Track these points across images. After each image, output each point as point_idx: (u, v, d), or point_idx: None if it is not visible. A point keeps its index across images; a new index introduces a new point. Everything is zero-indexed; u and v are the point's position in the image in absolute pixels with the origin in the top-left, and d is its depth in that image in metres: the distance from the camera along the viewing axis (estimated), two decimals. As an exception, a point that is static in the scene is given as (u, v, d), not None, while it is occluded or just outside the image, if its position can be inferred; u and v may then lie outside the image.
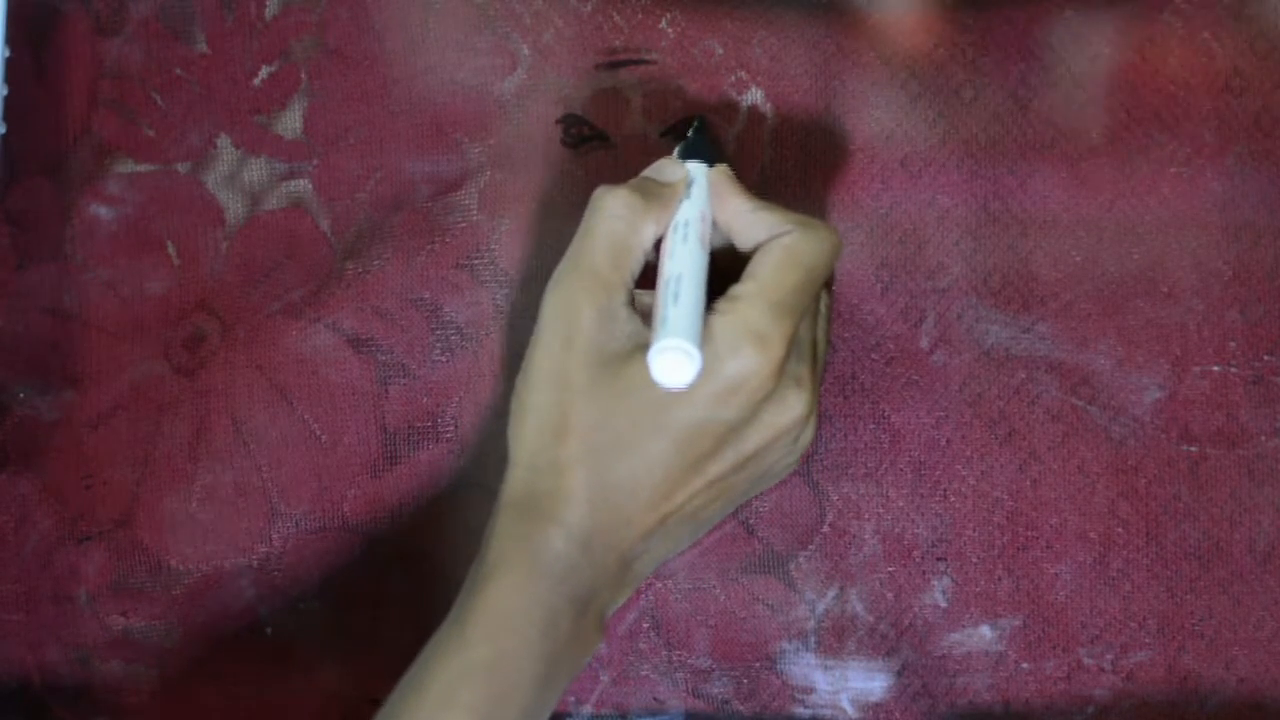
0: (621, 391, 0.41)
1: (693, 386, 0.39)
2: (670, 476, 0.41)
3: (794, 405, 0.42)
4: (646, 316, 0.42)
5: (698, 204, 0.44)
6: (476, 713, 0.39)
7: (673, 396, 0.40)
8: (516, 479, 0.42)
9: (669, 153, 0.48)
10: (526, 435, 0.42)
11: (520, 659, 0.40)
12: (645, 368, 0.39)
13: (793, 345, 0.41)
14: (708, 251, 0.43)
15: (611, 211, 0.42)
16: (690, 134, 0.48)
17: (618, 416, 0.41)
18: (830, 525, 0.49)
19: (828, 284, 0.44)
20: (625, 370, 0.41)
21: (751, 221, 0.43)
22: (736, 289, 0.41)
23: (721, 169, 0.45)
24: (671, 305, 0.40)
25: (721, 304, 0.41)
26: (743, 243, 0.44)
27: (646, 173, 0.45)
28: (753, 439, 0.42)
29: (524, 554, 0.41)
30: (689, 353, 0.39)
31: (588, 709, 0.49)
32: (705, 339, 0.40)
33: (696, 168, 0.45)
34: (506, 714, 0.40)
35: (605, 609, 0.43)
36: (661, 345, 0.39)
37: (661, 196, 0.43)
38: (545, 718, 0.42)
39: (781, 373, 0.41)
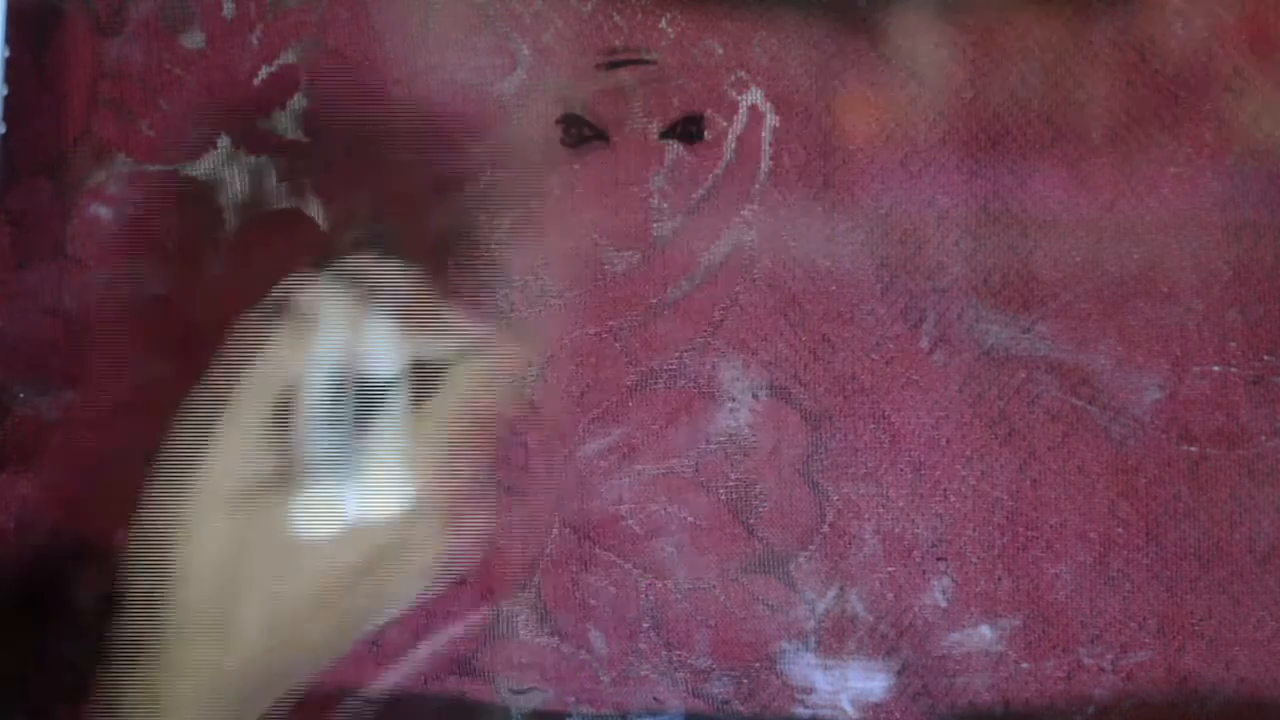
0: (248, 525, 0.39)
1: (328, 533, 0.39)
2: (292, 615, 0.40)
3: (426, 547, 0.40)
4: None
5: (341, 336, 0.41)
6: None
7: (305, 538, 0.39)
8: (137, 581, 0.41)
9: (667, 153, 0.48)
10: (147, 539, 0.41)
11: None
12: (273, 507, 0.39)
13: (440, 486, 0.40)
14: (347, 387, 0.41)
15: (266, 344, 0.41)
16: (352, 243, 0.46)
17: (241, 551, 0.40)
18: (830, 525, 0.49)
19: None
20: (256, 505, 0.40)
21: (422, 342, 0.42)
22: (421, 411, 0.40)
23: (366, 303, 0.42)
24: (317, 448, 0.39)
25: (372, 441, 0.40)
26: (418, 365, 0.42)
27: (298, 299, 0.42)
28: (383, 579, 0.40)
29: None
30: (329, 503, 0.38)
31: (588, 709, 0.49)
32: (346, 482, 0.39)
33: (338, 299, 0.42)
34: None
35: None
36: (301, 493, 0.39)
37: (307, 327, 0.41)
38: None
39: (419, 518, 0.40)
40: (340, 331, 0.41)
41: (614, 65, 0.50)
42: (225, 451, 0.40)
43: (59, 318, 0.50)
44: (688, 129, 0.50)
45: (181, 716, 0.40)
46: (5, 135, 0.50)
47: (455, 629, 0.49)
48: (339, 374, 0.40)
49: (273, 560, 0.39)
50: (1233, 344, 0.49)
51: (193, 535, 0.40)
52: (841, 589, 0.49)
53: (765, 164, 0.50)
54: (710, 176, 0.50)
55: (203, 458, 0.40)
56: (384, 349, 0.41)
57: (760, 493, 0.49)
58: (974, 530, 0.49)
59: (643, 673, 0.49)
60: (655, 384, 0.49)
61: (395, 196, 0.50)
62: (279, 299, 0.41)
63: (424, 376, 0.41)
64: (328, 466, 0.39)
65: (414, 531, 0.40)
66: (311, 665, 0.42)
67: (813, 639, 0.49)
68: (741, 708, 0.49)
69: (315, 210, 0.50)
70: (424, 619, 0.49)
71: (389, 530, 0.39)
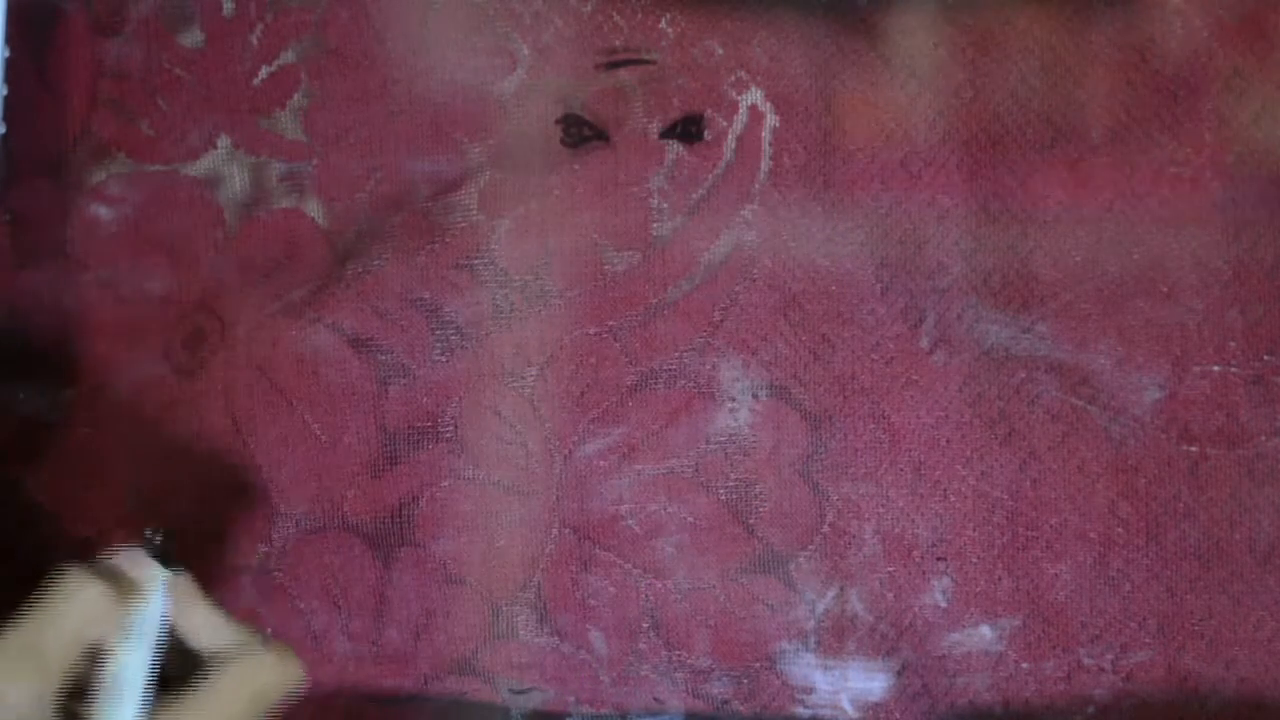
0: None
1: None
2: None
3: None
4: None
5: (159, 609, 0.42)
6: None
7: None
8: None
9: (667, 153, 0.48)
10: None
11: None
12: None
13: None
14: (154, 656, 0.41)
15: (76, 605, 0.41)
16: (160, 540, 0.45)
17: None
18: (830, 525, 0.49)
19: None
20: None
21: (210, 634, 0.42)
22: (190, 703, 0.40)
23: (183, 578, 0.43)
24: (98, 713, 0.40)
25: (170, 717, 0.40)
26: (200, 651, 0.42)
27: (118, 562, 0.43)
28: None
29: None
30: None
31: (588, 709, 0.49)
32: None
33: (159, 570, 0.43)
34: None
35: None
36: None
37: (126, 596, 0.42)
38: None
39: None
40: (161, 604, 0.42)
41: (614, 65, 0.50)
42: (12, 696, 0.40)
43: (59, 317, 0.50)
44: (688, 129, 0.50)
45: None
46: (5, 135, 0.50)
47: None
48: (149, 642, 0.41)
49: None
50: (1233, 344, 0.49)
51: None
52: (841, 589, 0.49)
53: (765, 164, 0.50)
54: (710, 176, 0.50)
55: None
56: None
57: (760, 493, 0.49)
58: (974, 530, 0.49)
59: (643, 673, 0.49)
60: (655, 384, 0.49)
61: (391, 200, 0.50)
62: (103, 562, 0.42)
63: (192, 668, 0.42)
64: None
65: None
66: None
67: (813, 639, 0.49)
68: (741, 708, 0.49)
69: (315, 210, 0.50)
70: (424, 618, 0.49)
71: None
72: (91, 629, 0.41)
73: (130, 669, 0.41)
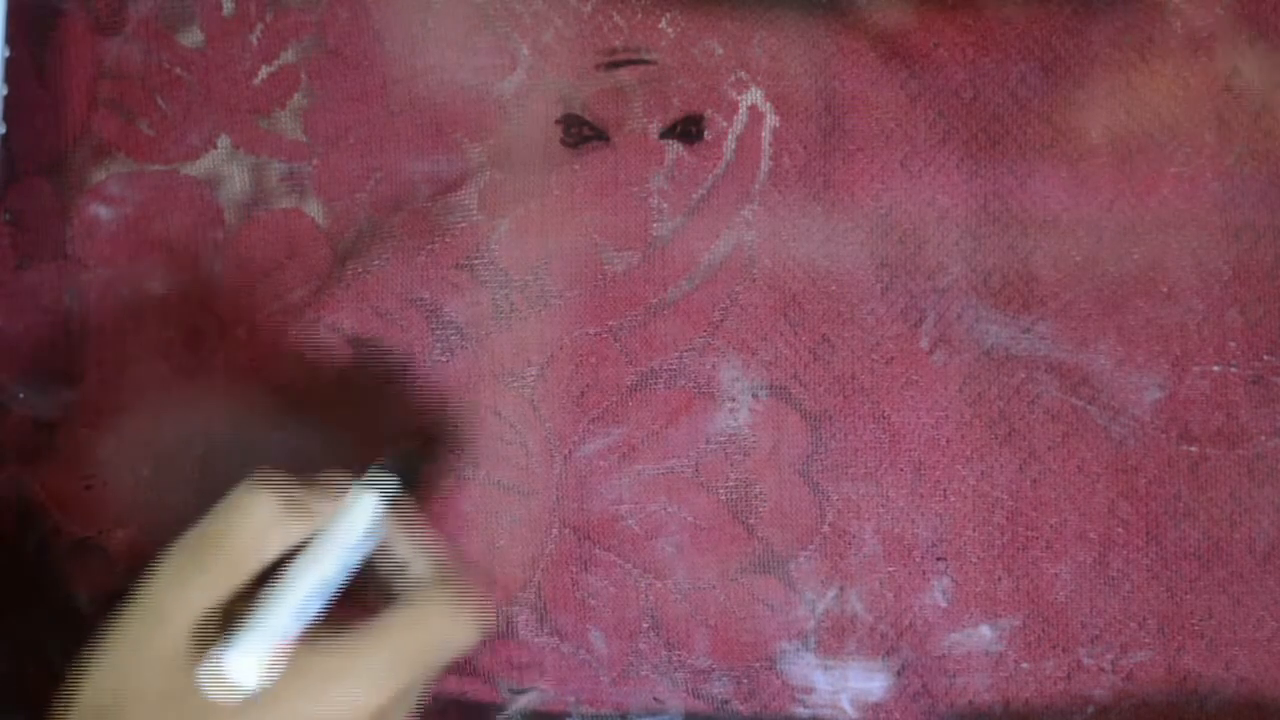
0: (191, 693, 0.39)
1: (263, 717, 0.38)
2: None
3: None
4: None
5: (351, 526, 0.41)
6: None
7: (243, 717, 0.39)
8: (85, 702, 0.40)
9: (667, 153, 0.48)
10: (95, 685, 0.40)
11: None
12: (212, 674, 0.39)
13: (381, 715, 0.39)
14: (335, 581, 0.41)
15: (251, 516, 0.40)
16: (400, 455, 0.45)
17: (185, 713, 0.39)
18: (830, 525, 0.49)
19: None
20: (193, 674, 0.39)
21: (406, 564, 0.42)
22: (346, 638, 0.40)
23: (393, 505, 0.42)
24: (251, 619, 0.39)
25: (326, 646, 0.40)
26: (388, 582, 0.42)
27: (312, 485, 0.42)
28: None
29: None
30: (242, 670, 0.38)
31: (587, 709, 0.49)
32: (291, 674, 0.39)
33: (377, 489, 0.42)
34: None
35: None
36: (218, 656, 0.39)
37: (308, 512, 0.41)
38: None
39: None
40: (363, 523, 0.41)
41: (614, 65, 0.50)
42: (188, 611, 0.40)
43: (59, 318, 0.50)
44: (688, 129, 0.50)
45: None
46: (5, 135, 0.50)
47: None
48: (331, 563, 0.41)
49: None
50: (1233, 344, 0.49)
51: (143, 682, 0.40)
52: (841, 589, 0.49)
53: (765, 164, 0.50)
54: (710, 176, 0.50)
55: (166, 616, 0.40)
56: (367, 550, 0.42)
57: (760, 493, 0.49)
58: (974, 530, 0.49)
59: (643, 673, 0.49)
60: (655, 384, 0.49)
61: (394, 198, 0.50)
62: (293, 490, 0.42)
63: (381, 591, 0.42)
64: (252, 641, 0.39)
65: None
66: None
67: (812, 639, 0.49)
68: (741, 708, 0.49)
69: (315, 210, 0.50)
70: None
71: None
72: (261, 544, 0.40)
73: (300, 586, 0.40)
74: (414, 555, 0.42)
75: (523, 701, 0.49)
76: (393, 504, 0.42)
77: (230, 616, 0.40)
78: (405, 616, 0.40)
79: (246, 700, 0.39)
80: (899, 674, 0.48)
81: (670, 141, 0.50)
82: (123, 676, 0.40)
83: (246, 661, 0.38)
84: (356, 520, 0.41)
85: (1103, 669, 0.48)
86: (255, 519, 0.40)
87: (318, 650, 0.40)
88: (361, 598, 0.41)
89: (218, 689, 0.39)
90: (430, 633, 0.40)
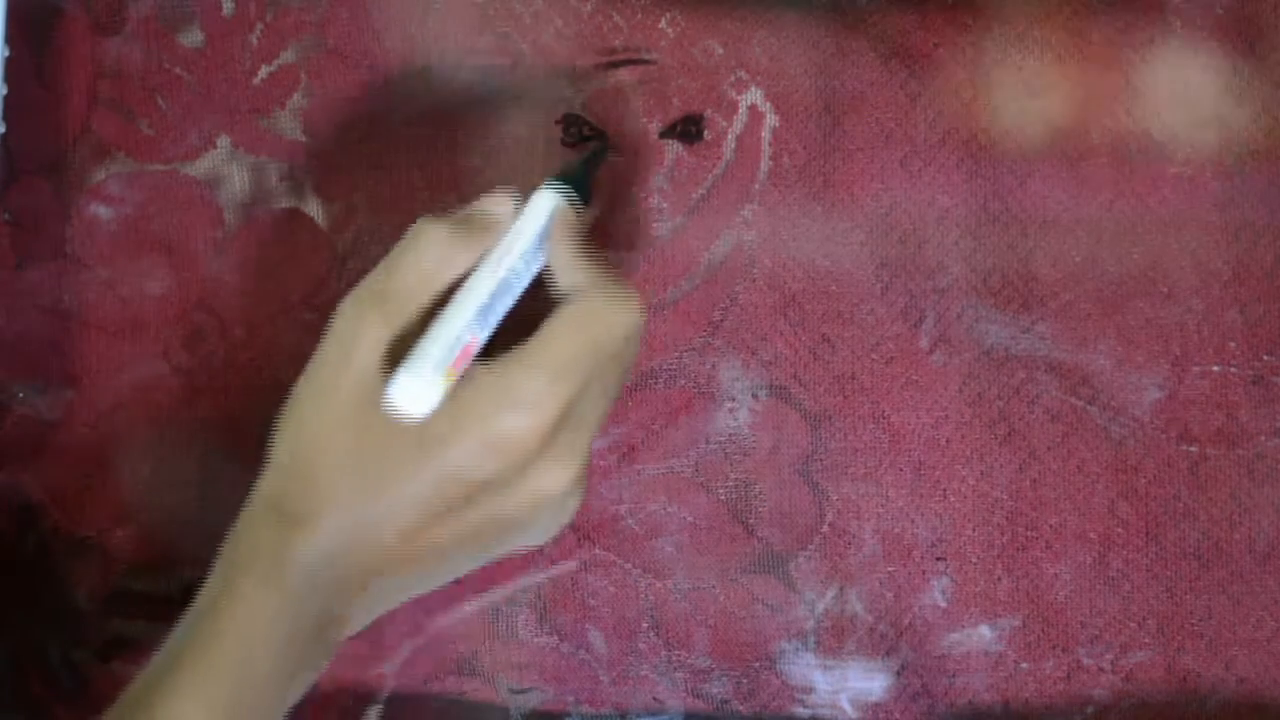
0: (385, 420, 0.40)
1: (450, 433, 0.39)
2: (420, 519, 0.40)
3: (559, 476, 0.41)
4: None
5: (520, 238, 0.42)
6: (220, 710, 0.39)
7: (433, 440, 0.40)
8: (271, 482, 0.41)
9: (667, 153, 0.47)
10: (288, 441, 0.41)
11: (264, 665, 0.40)
12: (397, 395, 0.39)
13: (566, 415, 0.40)
14: (514, 289, 0.42)
15: (423, 242, 0.41)
16: (568, 163, 0.46)
17: (378, 447, 0.40)
18: (830, 525, 0.49)
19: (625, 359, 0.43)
20: (380, 407, 0.40)
21: (566, 272, 0.42)
22: (520, 348, 0.40)
23: (564, 210, 0.43)
24: (430, 334, 0.40)
25: (501, 358, 0.40)
26: (555, 291, 0.42)
27: (478, 202, 0.43)
28: (511, 501, 0.41)
29: (271, 561, 0.40)
30: (424, 384, 0.39)
31: (587, 708, 0.49)
32: (473, 388, 0.39)
33: (547, 198, 0.43)
34: (245, 716, 0.40)
35: (342, 631, 0.42)
36: (400, 372, 0.39)
37: (481, 231, 0.42)
38: None
39: (548, 441, 0.40)
40: (534, 233, 0.42)
41: (614, 65, 0.50)
42: (373, 347, 0.41)
43: (59, 317, 0.50)
44: (688, 129, 0.50)
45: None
46: (5, 135, 0.50)
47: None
48: (503, 276, 0.41)
49: (399, 455, 0.40)
50: (1233, 344, 0.49)
51: (338, 417, 0.40)
52: (841, 589, 0.49)
53: (765, 164, 0.49)
54: (710, 176, 0.50)
55: (348, 353, 0.41)
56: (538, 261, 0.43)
57: (760, 493, 0.49)
58: (974, 530, 0.49)
59: (642, 672, 0.49)
60: (655, 384, 0.49)
61: (396, 196, 0.50)
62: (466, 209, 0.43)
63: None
64: (435, 355, 0.39)
65: (538, 470, 0.40)
66: (442, 575, 0.43)
67: (812, 639, 0.49)
68: (741, 708, 0.49)
69: (315, 210, 0.50)
70: (424, 617, 0.49)
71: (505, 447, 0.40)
72: (440, 268, 0.41)
73: (474, 298, 0.41)
74: (572, 264, 0.42)
75: (523, 701, 0.49)
76: (555, 214, 0.43)
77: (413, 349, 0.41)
78: (570, 314, 0.41)
79: (434, 417, 0.39)
80: (899, 674, 0.48)
81: (670, 141, 0.50)
82: (316, 424, 0.41)
83: (430, 378, 0.39)
84: (526, 229, 0.42)
85: (1102, 669, 0.48)
86: (427, 243, 0.41)
87: (493, 363, 0.40)
88: (529, 320, 0.42)
89: (404, 409, 0.39)
90: (598, 322, 0.41)
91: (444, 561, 0.42)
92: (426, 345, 0.39)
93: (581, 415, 0.41)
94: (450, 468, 0.40)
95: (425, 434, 0.40)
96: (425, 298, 0.41)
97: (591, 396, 0.41)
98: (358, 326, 0.41)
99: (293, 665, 0.40)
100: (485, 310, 0.41)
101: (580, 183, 0.44)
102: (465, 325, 0.40)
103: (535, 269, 0.43)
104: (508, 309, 0.42)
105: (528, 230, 0.42)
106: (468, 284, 0.41)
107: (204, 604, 0.41)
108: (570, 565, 0.49)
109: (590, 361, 0.40)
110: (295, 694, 0.41)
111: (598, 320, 0.40)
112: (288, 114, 0.50)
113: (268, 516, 0.41)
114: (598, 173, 0.47)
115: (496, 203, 0.43)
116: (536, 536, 0.43)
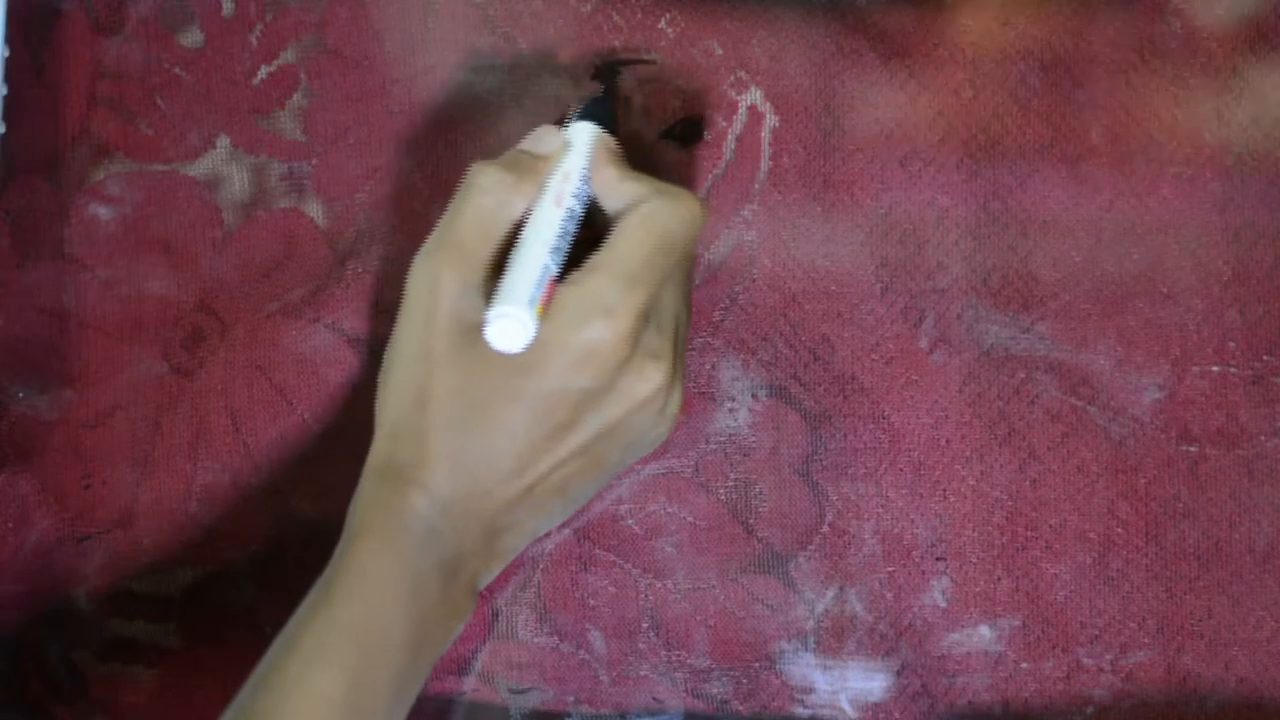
0: (479, 360, 0.42)
1: (543, 355, 0.41)
2: (530, 446, 0.42)
3: (651, 375, 0.42)
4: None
5: (572, 169, 0.44)
6: (347, 669, 0.40)
7: (527, 366, 0.41)
8: (380, 447, 0.43)
9: (668, 153, 0.47)
10: (390, 404, 0.43)
11: (388, 619, 0.41)
12: (493, 334, 0.41)
13: (646, 316, 0.42)
14: (576, 217, 0.44)
15: (481, 187, 0.43)
16: (591, 98, 0.48)
17: (476, 386, 0.42)
18: (830, 525, 0.49)
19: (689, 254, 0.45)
20: (482, 340, 0.42)
21: (617, 190, 0.44)
22: (591, 259, 0.42)
23: (602, 136, 0.45)
24: (513, 271, 0.41)
25: (575, 275, 0.42)
26: (610, 211, 0.44)
27: (524, 142, 0.45)
28: (612, 409, 0.42)
29: (387, 519, 0.42)
30: (519, 318, 0.40)
31: (587, 709, 0.49)
32: (555, 309, 0.41)
33: (584, 130, 0.45)
34: (377, 674, 0.40)
35: (476, 578, 0.44)
36: (494, 311, 0.41)
37: (534, 169, 0.44)
38: (418, 684, 0.42)
39: (634, 343, 0.42)
40: (581, 164, 0.44)
41: (614, 65, 0.50)
42: (451, 297, 0.42)
43: (58, 318, 0.50)
44: (688, 129, 0.50)
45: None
46: (4, 135, 0.50)
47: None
48: (564, 202, 0.43)
49: (499, 389, 0.42)
50: (1232, 344, 0.49)
51: (432, 367, 0.42)
52: (841, 589, 0.49)
53: (765, 164, 0.49)
54: (710, 177, 0.50)
55: (436, 293, 0.42)
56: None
57: (760, 493, 0.49)
58: (973, 530, 0.49)
59: (642, 672, 0.49)
60: (655, 384, 0.49)
61: (397, 195, 0.50)
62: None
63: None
64: (523, 287, 0.41)
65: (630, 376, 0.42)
66: (562, 505, 0.45)
67: (812, 639, 0.49)
68: (741, 708, 0.49)
69: (315, 210, 0.50)
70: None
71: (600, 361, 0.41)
72: (502, 209, 0.43)
73: (533, 231, 0.42)
74: (620, 185, 0.44)
75: (523, 701, 0.49)
76: (595, 142, 0.45)
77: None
78: (634, 221, 0.42)
79: (529, 348, 0.41)
80: (898, 674, 0.48)
81: (670, 142, 0.50)
82: (414, 379, 0.42)
83: (525, 312, 0.40)
84: (576, 162, 0.44)
85: (1102, 669, 0.48)
86: (484, 187, 0.43)
87: (568, 280, 0.42)
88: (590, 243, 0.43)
89: (503, 346, 0.41)
90: (662, 221, 0.42)
91: (560, 490, 0.43)
92: (515, 282, 0.41)
93: (661, 317, 0.43)
94: (547, 387, 0.41)
95: (518, 363, 0.41)
96: (491, 240, 0.43)
97: (667, 298, 0.43)
98: (435, 279, 0.42)
99: (421, 623, 0.41)
100: (559, 241, 0.43)
101: (607, 112, 0.46)
102: (547, 258, 0.42)
103: (585, 199, 0.44)
104: (573, 239, 0.43)
105: (578, 162, 0.44)
106: (535, 220, 0.43)
107: (328, 573, 0.42)
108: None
109: (661, 260, 0.42)
110: (430, 655, 0.42)
111: (661, 220, 0.42)
112: (288, 114, 0.50)
113: (381, 479, 0.42)
114: (616, 104, 0.49)
115: (543, 140, 0.45)
116: (644, 446, 0.45)
